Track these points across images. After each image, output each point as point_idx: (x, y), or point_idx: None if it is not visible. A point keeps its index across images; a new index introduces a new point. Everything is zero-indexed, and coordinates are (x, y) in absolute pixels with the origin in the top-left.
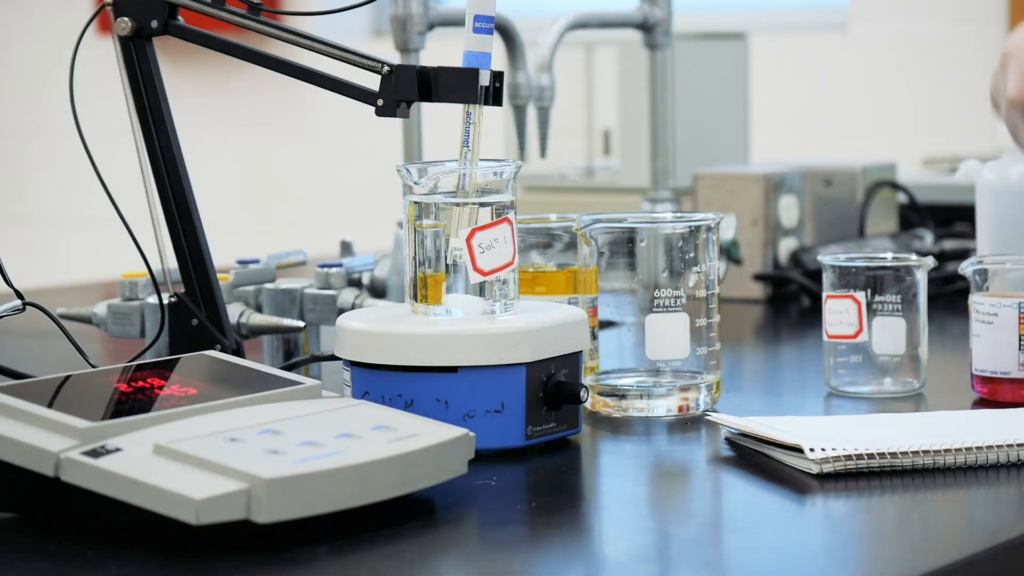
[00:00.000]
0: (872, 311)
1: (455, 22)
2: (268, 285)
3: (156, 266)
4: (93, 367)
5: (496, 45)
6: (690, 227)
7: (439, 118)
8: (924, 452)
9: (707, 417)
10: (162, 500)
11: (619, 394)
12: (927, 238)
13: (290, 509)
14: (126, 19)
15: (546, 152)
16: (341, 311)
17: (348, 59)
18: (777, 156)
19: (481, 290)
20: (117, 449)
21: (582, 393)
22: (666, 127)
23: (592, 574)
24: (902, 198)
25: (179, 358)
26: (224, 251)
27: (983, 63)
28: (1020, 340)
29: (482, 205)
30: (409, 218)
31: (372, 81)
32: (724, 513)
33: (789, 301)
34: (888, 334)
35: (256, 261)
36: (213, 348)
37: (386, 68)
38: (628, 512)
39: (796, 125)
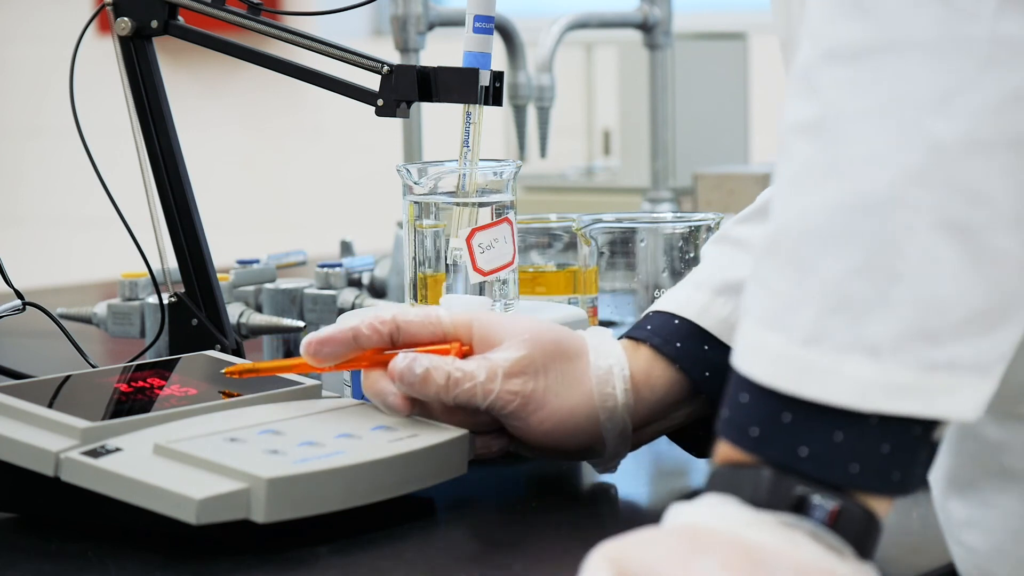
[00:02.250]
0: None
1: (455, 22)
2: (268, 285)
3: (156, 266)
4: (93, 367)
5: (496, 45)
6: (690, 227)
7: (439, 118)
8: None
9: None
10: (162, 500)
11: None
12: None
13: (290, 509)
14: (126, 19)
15: (546, 152)
16: (341, 311)
17: (348, 59)
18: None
19: (481, 290)
20: (117, 449)
21: None
22: (666, 127)
23: None
24: None
25: (179, 358)
26: (224, 251)
27: None
28: None
29: (482, 205)
30: (409, 218)
31: (372, 81)
32: None
33: None
34: None
35: (256, 261)
36: (213, 348)
37: (386, 68)
38: (628, 512)
39: None
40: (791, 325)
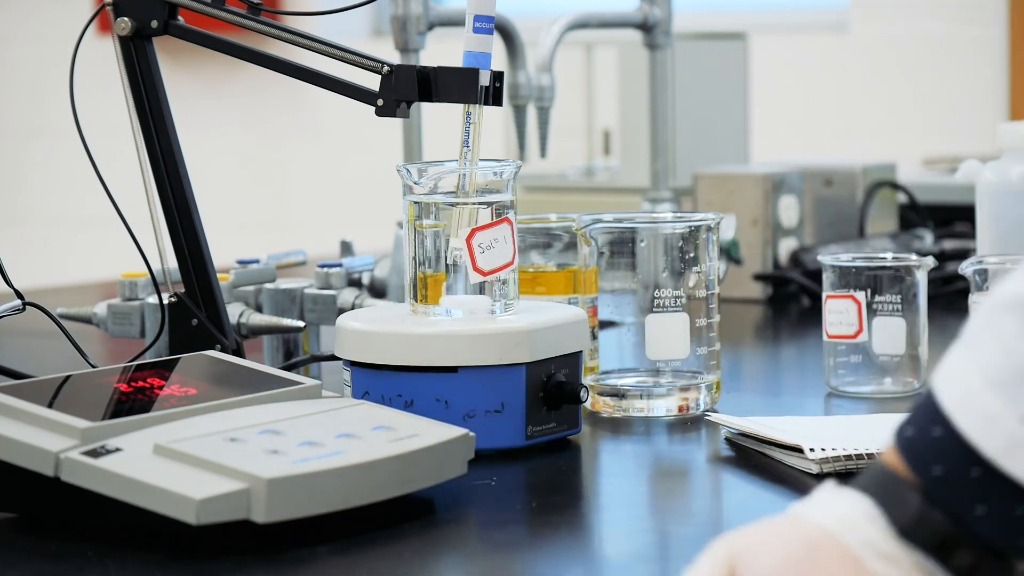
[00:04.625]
0: (872, 311)
1: (455, 22)
2: (268, 285)
3: (156, 266)
4: (93, 367)
5: (496, 45)
6: (690, 227)
7: (439, 118)
8: None
9: (707, 417)
10: (162, 500)
11: (619, 394)
12: (927, 238)
13: (290, 509)
14: (126, 19)
15: (546, 152)
16: (341, 311)
17: (348, 59)
18: (777, 156)
19: (481, 290)
20: (117, 449)
21: (582, 393)
22: (666, 127)
23: (592, 574)
24: (902, 198)
25: (179, 358)
26: (224, 251)
27: (983, 63)
28: None
29: (482, 205)
30: (409, 218)
31: (372, 81)
32: (724, 513)
33: (789, 301)
34: (888, 334)
35: (256, 261)
36: (213, 348)
37: (386, 68)
38: (628, 512)
39: (796, 125)
40: (1017, 397)
